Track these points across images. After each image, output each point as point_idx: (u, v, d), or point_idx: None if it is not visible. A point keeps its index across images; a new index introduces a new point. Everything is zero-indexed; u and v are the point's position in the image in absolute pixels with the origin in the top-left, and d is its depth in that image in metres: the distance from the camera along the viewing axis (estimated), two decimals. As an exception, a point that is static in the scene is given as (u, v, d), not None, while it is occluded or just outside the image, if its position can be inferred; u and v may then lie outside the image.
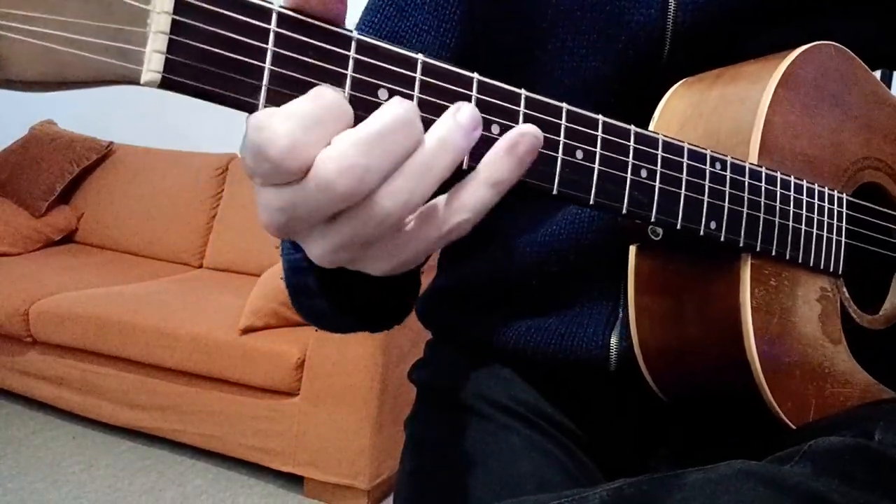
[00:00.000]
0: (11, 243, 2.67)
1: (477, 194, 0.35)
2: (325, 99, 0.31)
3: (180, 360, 1.97)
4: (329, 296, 0.52)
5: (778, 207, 0.51)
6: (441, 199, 0.35)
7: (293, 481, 1.96)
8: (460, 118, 0.34)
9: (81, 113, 3.01)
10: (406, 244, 0.35)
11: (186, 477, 1.99)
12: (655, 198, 0.44)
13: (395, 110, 0.32)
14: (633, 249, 0.55)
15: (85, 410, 2.16)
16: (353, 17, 0.59)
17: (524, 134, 0.35)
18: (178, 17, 0.28)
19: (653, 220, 0.45)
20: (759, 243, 0.49)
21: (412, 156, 0.33)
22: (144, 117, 2.96)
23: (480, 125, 0.35)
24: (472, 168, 0.35)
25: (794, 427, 0.51)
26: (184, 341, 1.97)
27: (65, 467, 1.99)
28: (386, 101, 0.33)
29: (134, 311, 2.08)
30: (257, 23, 0.30)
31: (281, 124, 0.30)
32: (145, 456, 2.08)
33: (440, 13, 0.60)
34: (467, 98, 0.36)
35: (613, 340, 0.59)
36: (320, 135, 0.31)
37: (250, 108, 0.31)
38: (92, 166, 2.95)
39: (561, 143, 0.39)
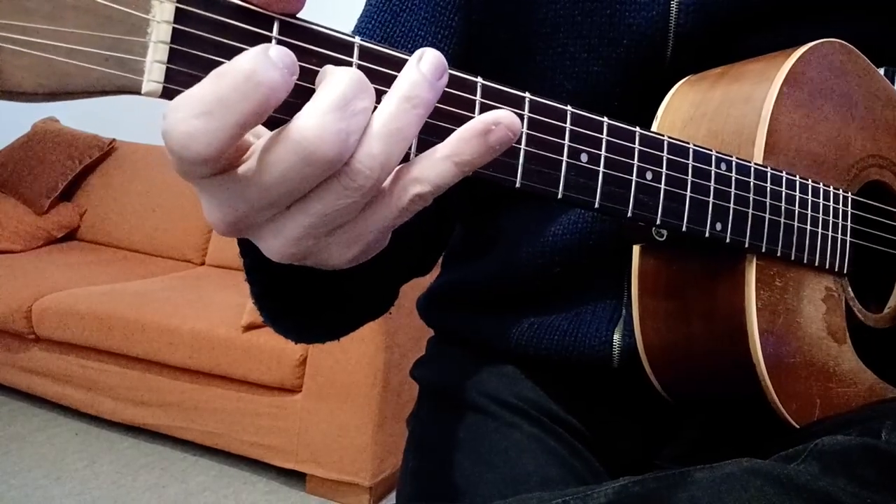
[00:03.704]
0: (14, 240, 2.67)
1: (438, 168, 0.33)
2: (227, 77, 0.27)
3: (183, 357, 1.97)
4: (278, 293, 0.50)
5: (783, 208, 0.50)
6: (399, 169, 0.33)
7: (295, 478, 1.96)
8: (423, 67, 0.32)
9: (84, 110, 3.01)
10: (369, 221, 0.33)
11: (189, 473, 1.99)
12: (661, 200, 0.44)
13: (349, 74, 0.30)
14: (636, 249, 0.55)
15: (87, 407, 2.17)
16: (349, 24, 0.59)
17: (498, 123, 0.33)
18: (178, 27, 0.27)
19: (658, 222, 0.44)
20: (764, 244, 0.49)
21: (378, 115, 0.31)
22: (147, 115, 2.92)
23: (447, 73, 0.33)
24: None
25: (798, 427, 0.51)
26: (186, 338, 1.97)
27: (68, 464, 1.99)
28: None
29: (136, 308, 2.08)
30: (259, 31, 0.29)
31: (174, 113, 0.27)
32: (148, 452, 2.08)
33: (437, 19, 0.58)
34: (471, 103, 0.35)
35: (616, 337, 0.59)
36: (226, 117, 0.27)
37: None
38: (94, 164, 2.95)
39: (565, 146, 0.39)
